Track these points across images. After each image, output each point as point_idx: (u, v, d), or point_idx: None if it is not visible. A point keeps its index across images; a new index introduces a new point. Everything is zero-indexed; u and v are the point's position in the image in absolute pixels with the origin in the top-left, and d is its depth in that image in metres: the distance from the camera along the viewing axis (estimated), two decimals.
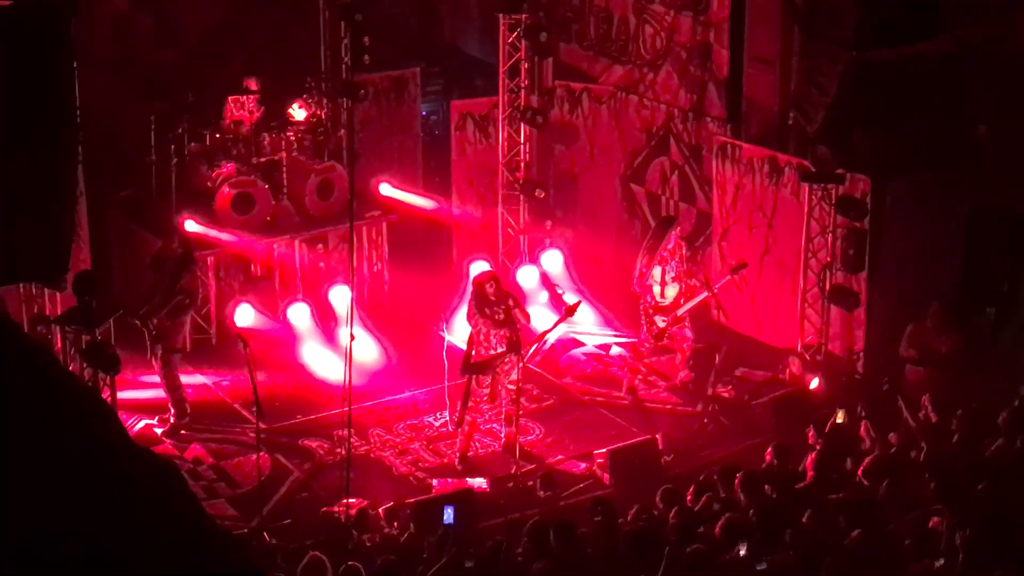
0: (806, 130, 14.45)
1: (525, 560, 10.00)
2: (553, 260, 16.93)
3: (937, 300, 13.89)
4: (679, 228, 15.11)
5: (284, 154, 16.50)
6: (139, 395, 14.52)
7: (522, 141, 16.95)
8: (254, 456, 13.01)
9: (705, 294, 14.73)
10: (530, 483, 13.08)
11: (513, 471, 13.16)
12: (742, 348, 15.43)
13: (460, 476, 13.32)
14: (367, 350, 14.98)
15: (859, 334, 14.67)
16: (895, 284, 14.47)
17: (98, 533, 3.01)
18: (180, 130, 16.12)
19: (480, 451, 13.86)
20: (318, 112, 17.00)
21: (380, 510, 12.27)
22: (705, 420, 14.34)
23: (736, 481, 10.82)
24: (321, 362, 15.21)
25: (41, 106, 4.74)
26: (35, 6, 4.77)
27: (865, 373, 14.47)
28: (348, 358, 11.70)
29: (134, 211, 16.29)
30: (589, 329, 16.28)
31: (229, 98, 16.46)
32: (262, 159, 16.46)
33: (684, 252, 14.75)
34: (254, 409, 12.65)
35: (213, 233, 15.72)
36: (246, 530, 12.14)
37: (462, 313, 14.06)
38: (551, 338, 14.89)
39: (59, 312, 13.27)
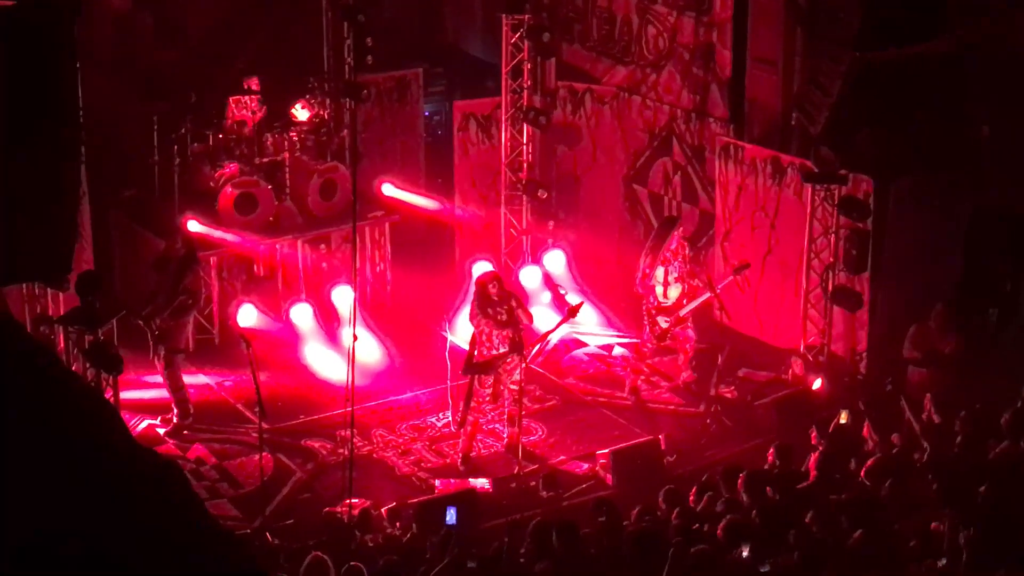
0: (809, 131, 14.44)
1: (528, 561, 10.00)
2: (556, 260, 16.92)
3: (940, 301, 13.89)
4: (682, 229, 15.11)
5: (287, 154, 16.51)
6: (142, 395, 14.52)
7: (525, 142, 16.95)
8: (257, 456, 13.03)
9: (708, 295, 14.73)
10: (532, 483, 13.07)
11: (515, 471, 13.16)
12: (745, 349, 15.43)
13: (463, 476, 13.32)
14: (370, 350, 14.97)
15: (862, 335, 14.65)
16: (898, 285, 14.45)
17: (98, 533, 3.01)
18: (183, 130, 16.14)
19: (483, 451, 13.86)
20: (321, 112, 17.01)
21: (383, 510, 12.27)
22: (708, 421, 14.34)
23: (739, 482, 10.82)
24: (324, 362, 15.21)
25: (43, 106, 4.74)
26: (37, 6, 4.77)
27: (868, 374, 14.46)
28: (351, 358, 11.70)
29: (137, 211, 16.31)
30: (592, 329, 16.27)
31: (230, 99, 16.47)
32: (265, 159, 16.47)
33: (687, 253, 14.75)
34: (257, 409, 12.67)
35: (216, 233, 15.72)
36: (249, 530, 12.16)
37: (465, 313, 14.05)
38: (554, 338, 14.89)
39: (62, 312, 13.28)
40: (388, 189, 17.10)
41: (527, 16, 16.51)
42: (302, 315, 15.71)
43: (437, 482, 13.22)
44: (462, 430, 13.71)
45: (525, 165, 17.01)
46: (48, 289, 13.50)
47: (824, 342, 14.78)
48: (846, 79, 13.77)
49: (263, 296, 15.86)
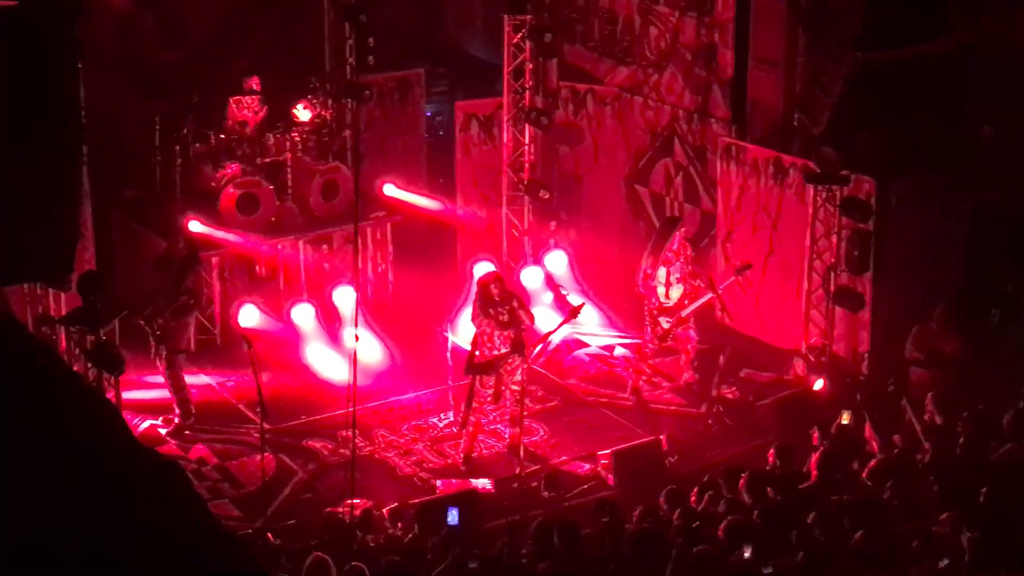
0: (811, 131, 14.43)
1: (529, 561, 9.99)
2: (557, 261, 16.92)
3: (942, 302, 13.88)
4: (683, 229, 15.11)
5: (289, 155, 16.52)
6: (144, 395, 14.53)
7: (526, 142, 16.95)
8: (258, 456, 13.03)
9: (709, 295, 14.73)
10: (534, 484, 13.07)
11: (517, 472, 13.16)
12: (746, 349, 15.42)
13: (464, 477, 13.31)
14: (371, 351, 14.97)
15: (864, 335, 14.65)
16: (899, 286, 14.45)
17: (98, 533, 3.01)
18: (185, 130, 16.15)
19: (484, 452, 13.86)
20: (323, 113, 17.01)
21: (384, 511, 12.26)
22: (709, 421, 14.33)
23: (741, 482, 10.82)
24: (325, 363, 15.21)
25: (45, 106, 4.73)
26: (39, 6, 4.76)
27: (870, 374, 14.45)
28: (352, 359, 11.70)
29: (138, 211, 16.33)
30: (593, 330, 16.27)
31: (230, 99, 16.47)
32: (267, 160, 16.48)
33: (688, 253, 14.75)
34: (258, 410, 12.68)
35: (218, 234, 15.73)
36: (250, 530, 12.15)
37: (466, 314, 14.05)
38: (555, 339, 14.87)
39: (64, 312, 13.29)
40: (390, 189, 17.11)
41: (529, 16, 16.51)
42: (304, 315, 15.71)
43: (439, 482, 13.21)
44: (464, 431, 13.71)
45: (527, 165, 17.01)
46: (50, 289, 13.51)
47: (826, 343, 14.77)
48: (848, 80, 13.76)
49: (265, 296, 15.87)
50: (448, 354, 14.01)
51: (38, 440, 3.08)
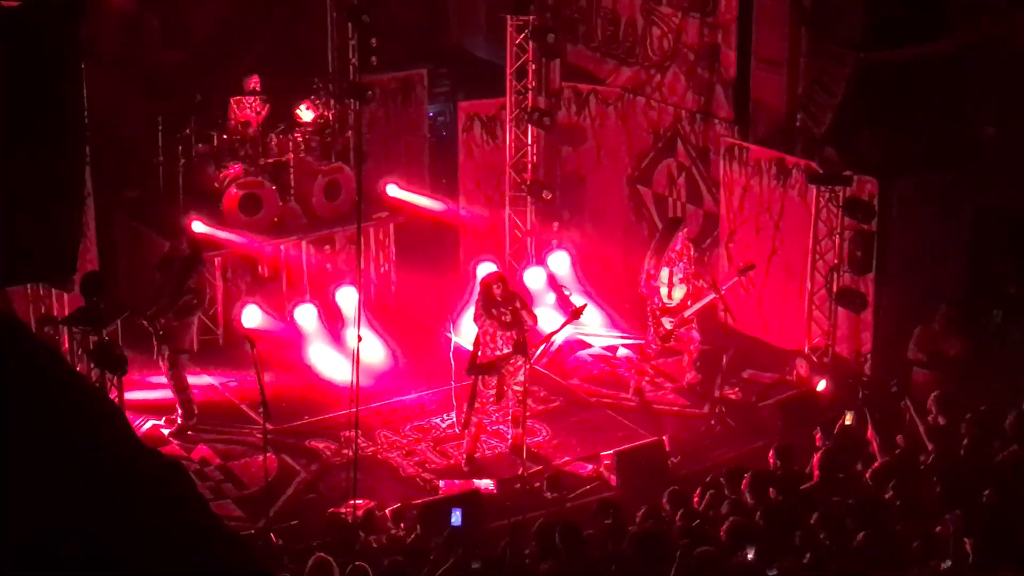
0: (814, 132, 14.42)
1: (532, 562, 9.99)
2: (560, 261, 16.92)
3: (945, 302, 13.87)
4: (686, 230, 15.12)
5: (291, 155, 16.52)
6: (146, 396, 14.53)
7: (529, 142, 16.95)
8: (261, 457, 13.01)
9: (712, 296, 14.73)
10: (537, 484, 13.05)
11: (520, 472, 13.14)
12: (749, 350, 15.42)
13: (467, 477, 13.31)
14: (374, 351, 14.98)
15: (866, 336, 14.64)
16: (902, 286, 14.44)
17: (99, 533, 3.00)
18: (187, 131, 16.15)
19: (487, 452, 13.85)
20: (325, 113, 17.01)
21: (387, 511, 12.25)
22: (712, 422, 14.33)
23: (744, 483, 10.81)
24: (328, 363, 15.21)
25: (47, 106, 4.73)
26: (42, 7, 4.77)
27: (872, 375, 14.44)
28: (355, 359, 11.70)
29: (141, 212, 16.33)
30: (596, 330, 16.26)
31: (232, 100, 16.48)
32: (269, 160, 16.48)
33: (691, 254, 14.76)
34: (261, 410, 12.65)
35: (220, 234, 15.73)
36: (253, 531, 12.15)
37: (469, 314, 14.06)
38: (558, 339, 14.87)
39: (66, 313, 13.28)
40: (392, 190, 17.11)
41: (532, 17, 16.52)
42: (306, 316, 15.71)
43: (441, 483, 13.21)
44: (466, 431, 13.71)
45: (529, 166, 17.01)
46: (52, 289, 13.50)
47: (829, 343, 14.77)
48: (850, 80, 13.75)
49: (267, 297, 15.87)
50: (451, 354, 14.00)
51: (39, 440, 3.07)
